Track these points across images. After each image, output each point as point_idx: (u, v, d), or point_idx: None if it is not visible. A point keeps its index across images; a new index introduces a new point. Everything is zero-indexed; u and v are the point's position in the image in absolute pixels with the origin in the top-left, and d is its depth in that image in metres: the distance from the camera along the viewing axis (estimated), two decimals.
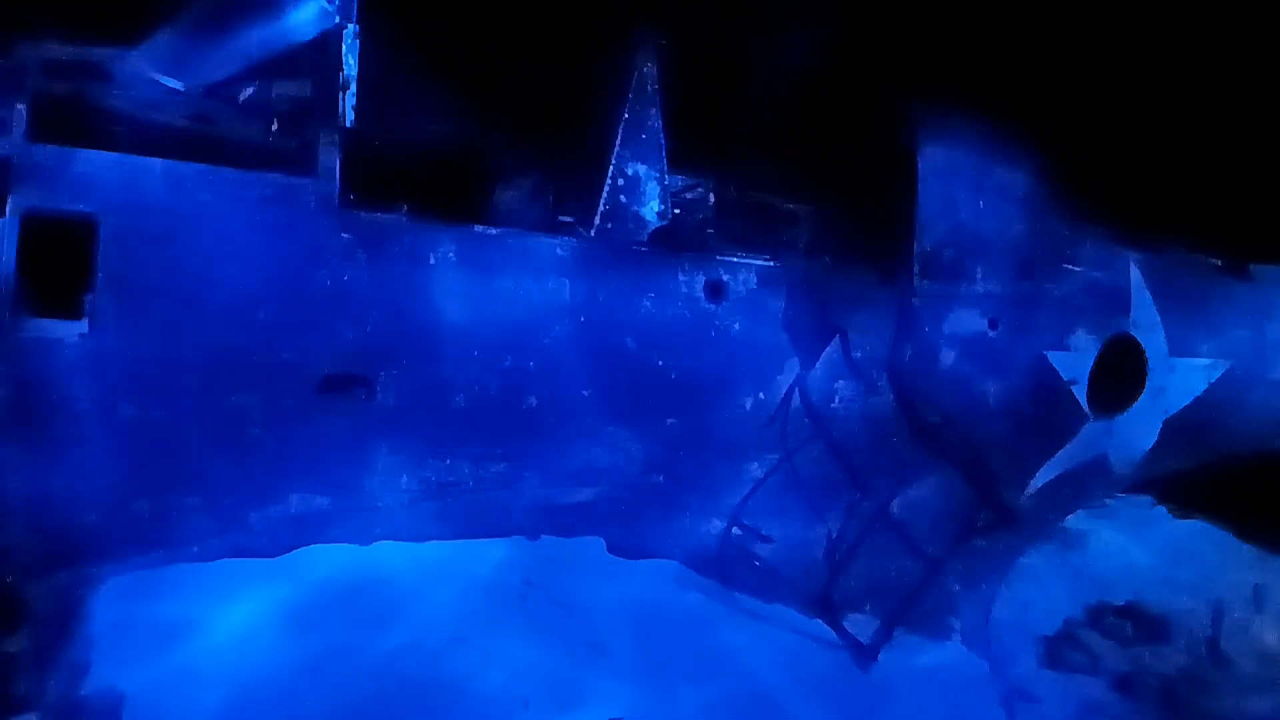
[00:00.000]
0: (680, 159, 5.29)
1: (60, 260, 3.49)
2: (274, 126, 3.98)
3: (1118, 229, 6.04)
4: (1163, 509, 7.66)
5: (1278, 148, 6.91)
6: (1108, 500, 7.34)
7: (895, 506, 5.02)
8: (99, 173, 3.50)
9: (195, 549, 4.00)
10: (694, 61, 5.03)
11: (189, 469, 3.85)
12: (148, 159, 3.57)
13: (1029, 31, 5.64)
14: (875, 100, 5.14)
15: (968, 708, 4.99)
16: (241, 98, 3.94)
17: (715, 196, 5.34)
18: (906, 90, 5.13)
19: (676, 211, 5.25)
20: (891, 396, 4.99)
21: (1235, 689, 5.78)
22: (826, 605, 4.97)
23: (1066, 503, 6.32)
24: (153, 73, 3.82)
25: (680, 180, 5.32)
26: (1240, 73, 6.74)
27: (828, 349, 4.89)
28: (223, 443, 3.85)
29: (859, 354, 4.96)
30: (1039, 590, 6.27)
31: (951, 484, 5.12)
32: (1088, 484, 6.22)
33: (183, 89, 3.86)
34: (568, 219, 4.49)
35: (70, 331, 3.52)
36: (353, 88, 3.79)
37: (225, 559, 4.02)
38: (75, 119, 3.58)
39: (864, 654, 4.81)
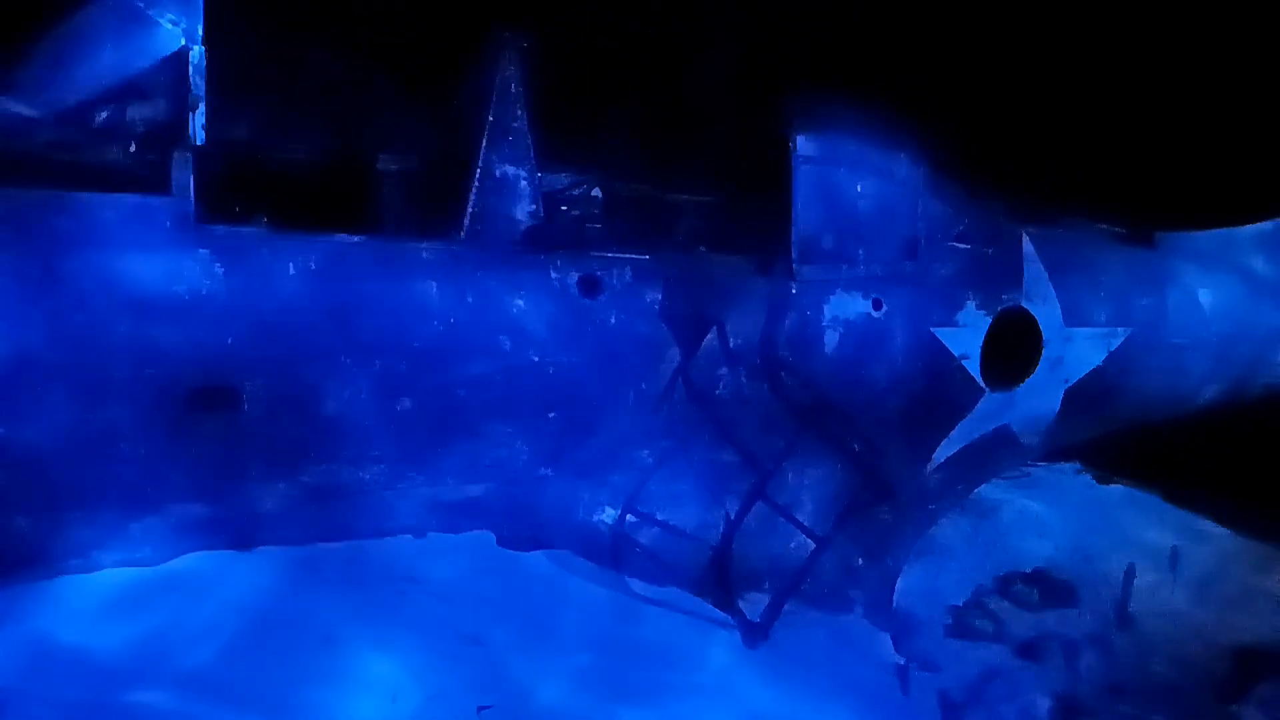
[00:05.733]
0: (564, 156, 5.41)
1: None
2: (131, 148, 4.07)
3: (1010, 204, 6.14)
4: (1086, 476, 7.81)
5: (1178, 113, 7.00)
6: (1029, 470, 7.49)
7: (783, 485, 5.13)
8: None
9: (78, 561, 4.13)
10: (571, 59, 5.14)
11: (65, 484, 3.96)
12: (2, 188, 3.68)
13: (905, 12, 5.72)
14: (750, 89, 5.24)
15: (863, 680, 5.12)
16: (96, 122, 4.03)
17: (601, 192, 5.44)
18: (781, 78, 5.23)
19: (564, 209, 5.38)
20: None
21: (1139, 650, 5.91)
22: (721, 585, 5.09)
23: (976, 474, 6.44)
24: (5, 101, 3.92)
25: (565, 178, 5.43)
26: (1136, 38, 6.81)
27: (708, 338, 4.99)
28: (96, 457, 3.96)
29: (739, 341, 5.07)
30: (950, 561, 6.42)
31: (839, 463, 5.23)
32: (995, 455, 6.34)
33: (37, 116, 3.96)
34: (436, 223, 4.58)
35: None
36: (201, 107, 3.88)
37: (108, 570, 4.15)
38: None
39: (754, 632, 4.93)
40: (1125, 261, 6.65)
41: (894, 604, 5.75)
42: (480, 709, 3.92)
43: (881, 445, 5.22)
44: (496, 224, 4.61)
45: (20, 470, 3.86)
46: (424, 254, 4.40)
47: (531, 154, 4.69)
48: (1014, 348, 6.01)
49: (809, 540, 5.21)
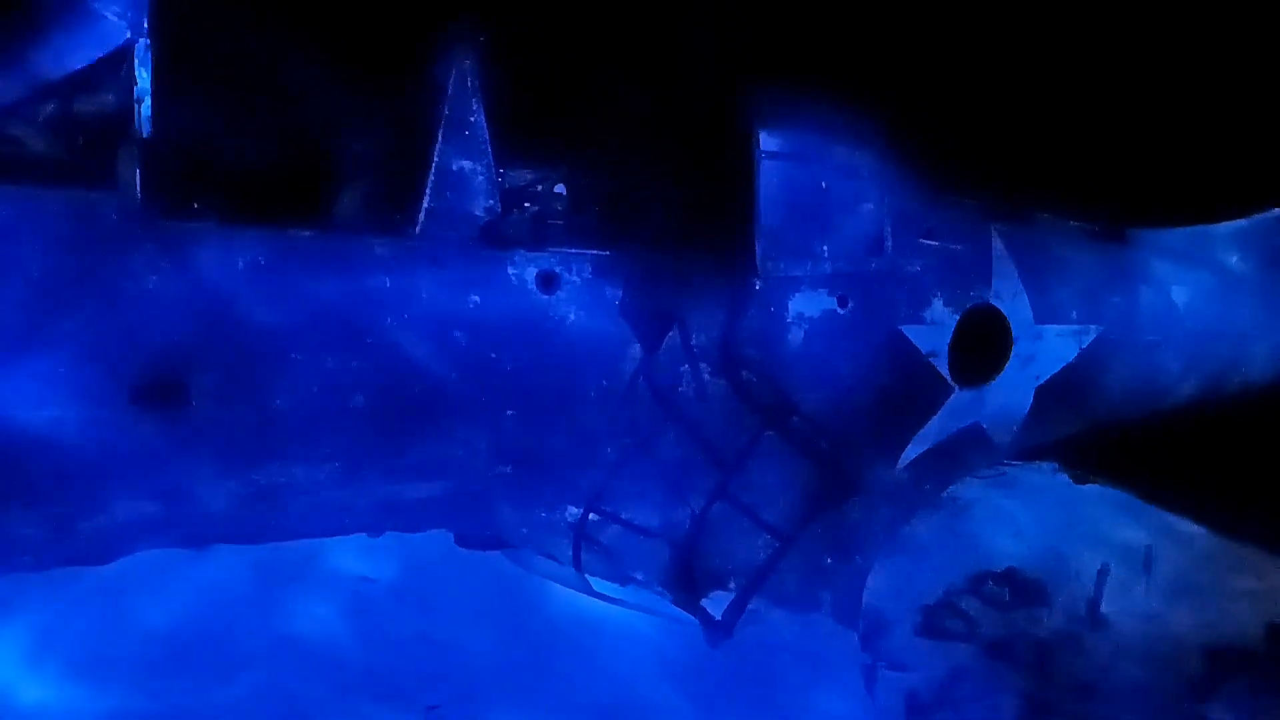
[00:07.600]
0: (529, 152, 5.36)
1: None
2: (79, 142, 4.02)
3: (980, 200, 6.10)
4: (1063, 476, 7.76)
5: (1151, 109, 6.97)
6: (1004, 469, 7.45)
7: (748, 483, 5.08)
8: None
9: (28, 560, 4.08)
10: (532, 53, 5.10)
11: (10, 481, 3.91)
12: None
13: (871, 5, 5.68)
14: (713, 84, 5.19)
15: (828, 680, 5.08)
16: (41, 115, 3.98)
17: (565, 188, 5.39)
18: (744, 72, 5.19)
19: (525, 204, 5.32)
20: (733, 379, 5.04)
21: (1110, 651, 5.86)
22: (684, 584, 5.04)
23: (946, 473, 6.40)
24: None
25: (529, 174, 5.38)
26: (1108, 32, 6.77)
27: (670, 334, 4.95)
28: (42, 454, 3.90)
29: (701, 338, 5.03)
30: (923, 560, 6.35)
31: (804, 461, 5.18)
32: (966, 454, 6.30)
33: None
34: (391, 218, 4.53)
35: None
36: (147, 100, 3.84)
37: (57, 568, 4.10)
38: None
39: (716, 630, 4.88)
40: (1097, 258, 6.61)
41: (863, 603, 5.69)
42: (429, 708, 3.88)
43: (848, 443, 5.18)
44: (452, 220, 4.56)
45: None
46: (378, 250, 4.35)
47: (489, 149, 4.63)
48: (983, 345, 5.96)
49: (775, 539, 5.17)
